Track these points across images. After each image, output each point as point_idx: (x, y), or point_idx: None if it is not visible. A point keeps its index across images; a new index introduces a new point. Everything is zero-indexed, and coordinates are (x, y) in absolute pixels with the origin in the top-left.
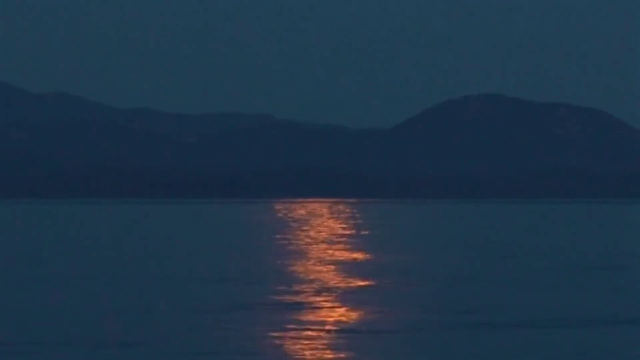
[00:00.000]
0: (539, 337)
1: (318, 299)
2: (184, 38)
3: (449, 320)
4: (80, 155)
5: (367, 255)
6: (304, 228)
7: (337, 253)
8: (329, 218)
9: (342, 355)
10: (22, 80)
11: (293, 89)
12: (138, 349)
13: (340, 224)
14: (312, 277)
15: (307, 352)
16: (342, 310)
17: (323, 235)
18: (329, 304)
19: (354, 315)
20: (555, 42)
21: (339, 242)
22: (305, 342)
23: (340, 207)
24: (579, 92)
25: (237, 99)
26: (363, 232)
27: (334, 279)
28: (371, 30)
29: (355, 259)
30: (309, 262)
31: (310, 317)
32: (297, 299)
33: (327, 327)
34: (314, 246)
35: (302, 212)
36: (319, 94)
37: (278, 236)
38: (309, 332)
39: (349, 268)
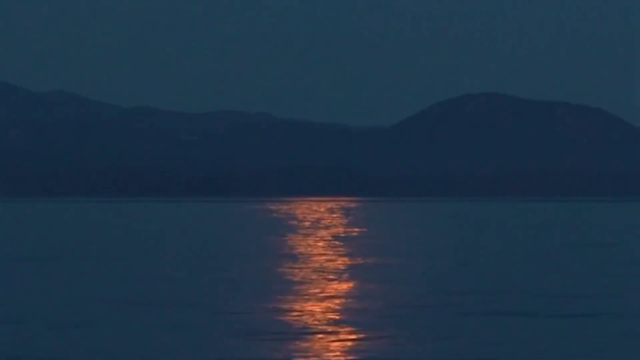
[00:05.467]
0: None
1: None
2: (185, 37)
3: None
4: (81, 154)
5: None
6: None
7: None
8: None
9: None
10: (23, 78)
11: (293, 88)
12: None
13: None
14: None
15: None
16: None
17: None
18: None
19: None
20: (555, 41)
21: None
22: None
23: (341, 206)
24: (578, 91)
25: (237, 97)
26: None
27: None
28: (371, 29)
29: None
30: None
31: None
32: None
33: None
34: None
35: (302, 212)
36: (319, 93)
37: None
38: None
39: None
